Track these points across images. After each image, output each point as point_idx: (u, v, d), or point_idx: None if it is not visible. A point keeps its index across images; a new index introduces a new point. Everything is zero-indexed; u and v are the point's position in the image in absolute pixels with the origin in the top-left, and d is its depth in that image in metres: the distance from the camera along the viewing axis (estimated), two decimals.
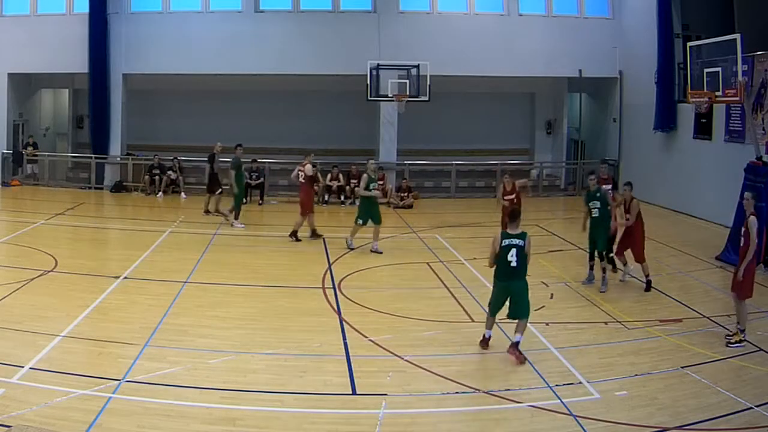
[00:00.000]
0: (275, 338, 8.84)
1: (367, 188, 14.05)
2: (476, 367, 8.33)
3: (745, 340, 8.69)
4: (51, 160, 22.93)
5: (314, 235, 15.10)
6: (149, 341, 8.50)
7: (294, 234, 14.94)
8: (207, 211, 17.79)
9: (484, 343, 8.74)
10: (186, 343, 8.55)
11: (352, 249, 13.95)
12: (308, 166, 15.12)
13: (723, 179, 15.96)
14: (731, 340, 8.72)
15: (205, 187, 18.31)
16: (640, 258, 11.53)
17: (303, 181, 15.14)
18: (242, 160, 16.95)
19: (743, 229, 8.92)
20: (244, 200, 20.24)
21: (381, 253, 13.77)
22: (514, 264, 8.24)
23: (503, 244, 8.28)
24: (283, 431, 6.53)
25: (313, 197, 16.24)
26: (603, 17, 22.66)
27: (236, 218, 16.41)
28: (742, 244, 8.90)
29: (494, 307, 8.56)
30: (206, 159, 18.33)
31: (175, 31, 21.56)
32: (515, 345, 8.25)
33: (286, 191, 21.33)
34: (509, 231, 8.44)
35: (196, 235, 15.26)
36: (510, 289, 8.35)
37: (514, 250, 8.23)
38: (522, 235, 8.32)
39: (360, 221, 14.04)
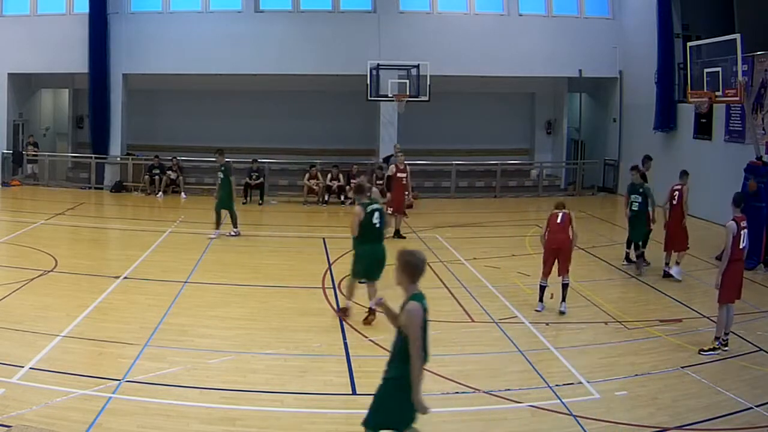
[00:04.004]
0: (275, 338, 8.83)
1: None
2: (476, 367, 8.32)
3: (719, 348, 8.47)
4: (51, 160, 22.93)
5: (396, 235, 14.91)
6: (149, 341, 8.49)
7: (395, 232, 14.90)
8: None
9: (344, 312, 9.54)
10: (186, 343, 8.54)
11: None
12: (391, 167, 15.08)
13: (723, 179, 15.92)
14: (704, 348, 8.50)
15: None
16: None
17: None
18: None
19: None
20: (244, 201, 20.28)
21: None
22: (378, 225, 9.35)
23: (368, 210, 9.26)
24: (283, 431, 6.53)
25: (399, 197, 14.98)
26: (603, 17, 22.70)
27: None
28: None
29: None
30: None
31: (175, 31, 21.57)
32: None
33: (286, 191, 21.37)
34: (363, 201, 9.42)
35: (196, 235, 15.23)
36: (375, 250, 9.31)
37: (377, 213, 9.35)
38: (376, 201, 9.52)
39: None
